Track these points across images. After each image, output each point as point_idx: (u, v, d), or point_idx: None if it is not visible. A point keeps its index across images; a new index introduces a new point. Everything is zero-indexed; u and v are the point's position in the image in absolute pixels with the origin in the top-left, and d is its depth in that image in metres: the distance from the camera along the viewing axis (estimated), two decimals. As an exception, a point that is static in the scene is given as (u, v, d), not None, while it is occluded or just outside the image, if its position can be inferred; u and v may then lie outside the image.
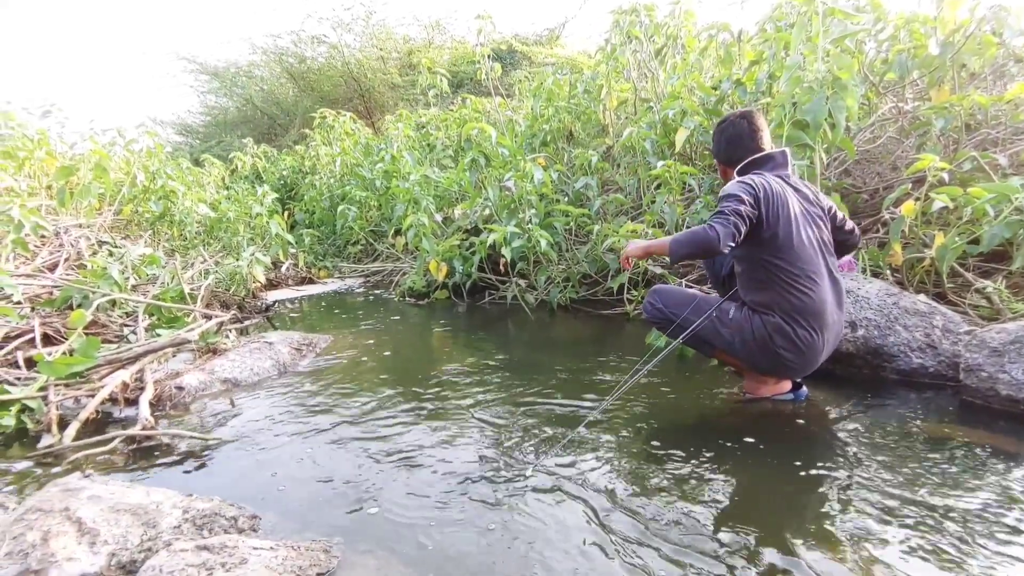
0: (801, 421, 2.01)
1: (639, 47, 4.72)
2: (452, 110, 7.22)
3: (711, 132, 2.25)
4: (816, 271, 1.90)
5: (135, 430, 1.93)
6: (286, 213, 7.92)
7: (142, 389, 2.31)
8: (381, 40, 13.59)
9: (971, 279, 2.73)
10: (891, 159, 3.74)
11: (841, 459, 1.70)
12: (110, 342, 3.11)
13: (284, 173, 9.16)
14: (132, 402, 2.25)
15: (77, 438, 1.95)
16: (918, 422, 1.93)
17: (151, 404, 2.26)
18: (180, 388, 2.35)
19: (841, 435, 1.88)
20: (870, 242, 3.21)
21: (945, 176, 2.65)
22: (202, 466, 1.80)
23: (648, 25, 4.65)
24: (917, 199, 2.76)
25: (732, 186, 1.91)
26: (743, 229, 1.82)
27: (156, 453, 1.89)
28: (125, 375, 2.25)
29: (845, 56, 2.89)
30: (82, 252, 4.63)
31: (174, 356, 2.98)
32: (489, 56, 5.29)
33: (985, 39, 3.17)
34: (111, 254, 4.54)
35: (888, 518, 1.39)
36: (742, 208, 1.82)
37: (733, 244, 1.81)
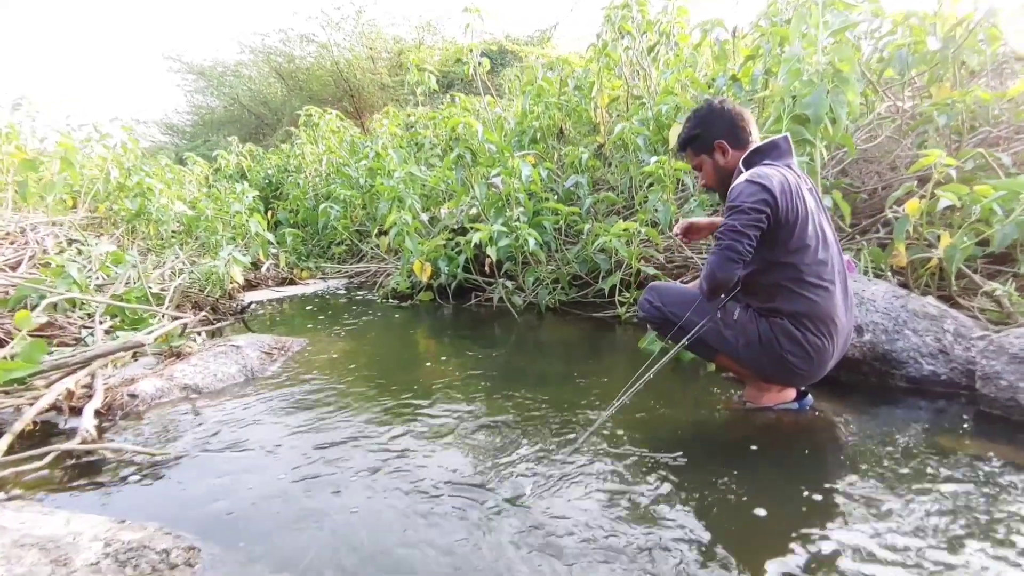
0: (806, 433, 1.86)
1: (631, 43, 4.59)
2: (441, 109, 7.05)
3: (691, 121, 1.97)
4: (830, 271, 1.75)
5: (73, 444, 1.74)
6: (269, 212, 7.71)
7: (91, 396, 2.12)
8: (371, 39, 13.42)
9: (979, 281, 2.61)
10: (890, 158, 3.63)
11: (848, 474, 1.55)
12: (67, 344, 2.91)
13: (269, 172, 8.94)
14: (78, 411, 2.05)
15: (9, 452, 1.75)
16: (931, 434, 1.78)
17: (100, 413, 2.08)
18: (133, 396, 2.15)
19: (848, 448, 1.73)
20: (870, 242, 3.09)
21: (952, 173, 2.52)
22: (146, 486, 1.62)
23: (640, 21, 4.53)
24: (922, 197, 2.63)
25: (745, 188, 1.70)
26: (746, 254, 1.68)
27: (97, 469, 1.70)
28: (70, 382, 2.05)
29: (846, 48, 2.76)
30: (48, 250, 4.41)
31: (135, 360, 2.78)
32: (478, 52, 5.13)
33: (991, 32, 3.05)
34: (79, 252, 4.33)
35: (897, 537, 1.24)
36: (747, 232, 1.66)
37: (740, 271, 1.71)
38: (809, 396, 1.96)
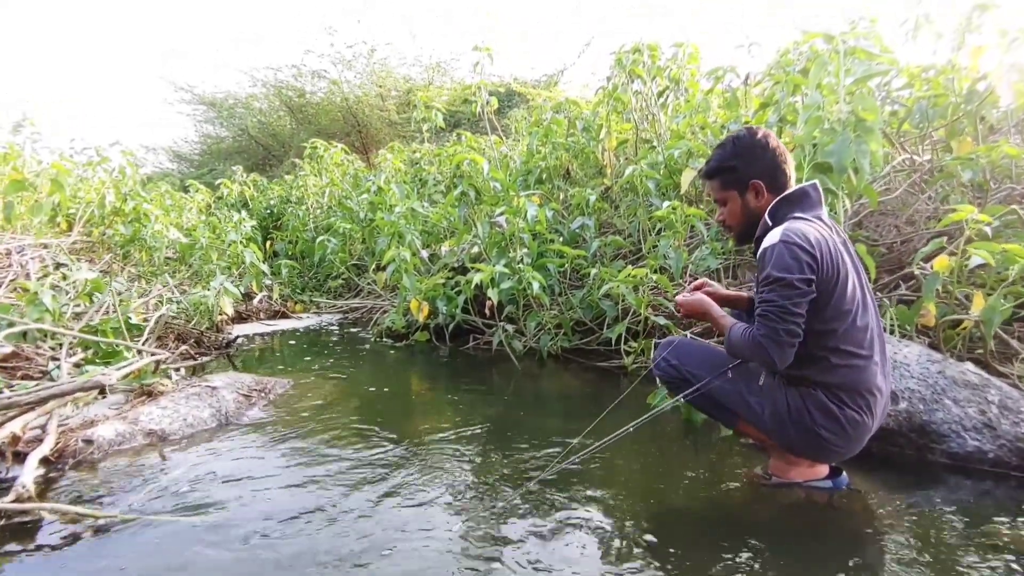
0: (837, 516, 1.64)
1: (642, 87, 4.55)
2: (446, 146, 7.01)
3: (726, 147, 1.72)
4: (869, 337, 1.56)
5: (4, 502, 1.52)
6: (268, 243, 7.59)
7: (42, 441, 1.90)
8: (381, 78, 13.61)
9: (1017, 346, 2.42)
10: (908, 212, 3.50)
11: (886, 570, 1.34)
12: (32, 378, 2.70)
13: (272, 202, 8.87)
14: (24, 457, 1.83)
15: (-67, 508, 1.53)
16: (980, 524, 1.56)
17: (49, 461, 1.86)
18: (89, 441, 1.94)
19: (888, 537, 1.51)
20: (891, 299, 2.92)
21: (988, 230, 2.37)
22: (83, 556, 1.39)
23: (651, 66, 4.49)
24: (952, 254, 2.48)
25: (786, 254, 1.48)
26: (801, 336, 1.50)
27: (29, 534, 1.48)
28: (17, 425, 1.84)
29: (870, 97, 2.66)
30: (31, 274, 4.24)
31: (103, 397, 2.57)
32: (486, 90, 5.09)
33: (1017, 87, 2.96)
34: (64, 277, 4.16)
35: None
36: (799, 311, 1.48)
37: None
38: (844, 474, 1.74)
